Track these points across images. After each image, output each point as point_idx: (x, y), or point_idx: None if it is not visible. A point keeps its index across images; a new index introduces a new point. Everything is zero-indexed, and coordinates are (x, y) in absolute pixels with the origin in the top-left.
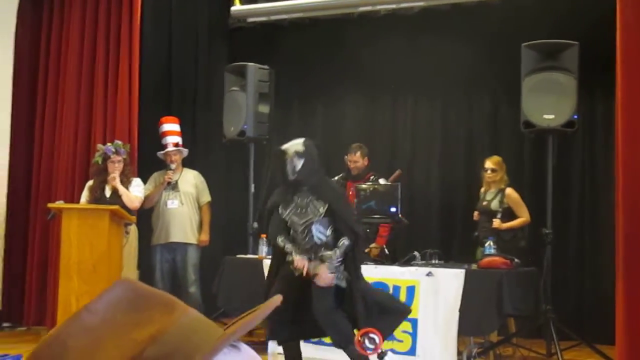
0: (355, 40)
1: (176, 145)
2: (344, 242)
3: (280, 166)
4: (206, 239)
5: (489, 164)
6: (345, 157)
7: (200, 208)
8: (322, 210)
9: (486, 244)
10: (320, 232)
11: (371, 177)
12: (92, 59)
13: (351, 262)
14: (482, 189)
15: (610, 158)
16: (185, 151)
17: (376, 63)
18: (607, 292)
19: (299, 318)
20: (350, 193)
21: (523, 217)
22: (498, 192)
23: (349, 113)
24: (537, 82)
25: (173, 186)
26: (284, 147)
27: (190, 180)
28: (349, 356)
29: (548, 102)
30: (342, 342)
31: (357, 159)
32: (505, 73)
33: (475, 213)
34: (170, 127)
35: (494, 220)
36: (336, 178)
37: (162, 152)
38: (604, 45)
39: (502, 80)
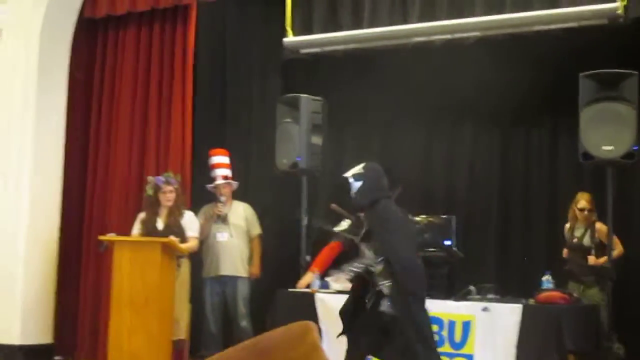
0: (410, 71)
1: (225, 178)
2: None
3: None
4: (257, 272)
5: (584, 203)
6: None
7: (250, 241)
8: (362, 230)
9: (543, 278)
10: (368, 258)
11: None
12: (146, 90)
13: (399, 293)
14: (568, 225)
15: None
16: (235, 184)
17: (432, 94)
18: None
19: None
20: None
21: (617, 249)
22: (587, 227)
23: (405, 145)
24: (595, 112)
25: (223, 219)
26: (346, 174)
27: (241, 213)
28: None
29: (607, 133)
30: None
31: None
32: (562, 103)
33: (565, 250)
34: (220, 159)
35: (589, 257)
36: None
37: (211, 185)
38: None
39: (560, 111)
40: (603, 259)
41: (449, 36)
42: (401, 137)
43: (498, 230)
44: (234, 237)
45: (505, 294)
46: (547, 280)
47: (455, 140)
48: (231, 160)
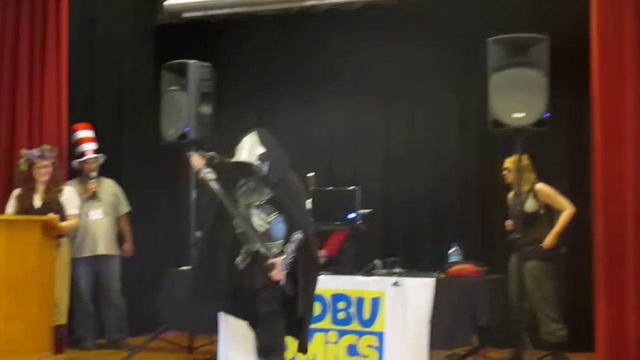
0: (297, 37)
1: (94, 152)
2: (297, 235)
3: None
4: (131, 249)
5: (507, 163)
6: None
7: (118, 218)
8: (265, 197)
9: (451, 251)
10: (260, 219)
11: None
12: (14, 57)
13: (300, 269)
14: (510, 194)
15: (583, 157)
16: (103, 157)
17: (321, 62)
18: (582, 296)
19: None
20: None
21: (565, 209)
22: (528, 192)
23: (298, 114)
24: (505, 79)
25: (94, 196)
26: (245, 158)
27: (109, 189)
28: None
29: (517, 99)
30: (267, 351)
31: None
32: (471, 70)
33: (508, 222)
34: (86, 133)
35: (546, 241)
36: None
37: (79, 160)
38: (575, 39)
39: (469, 78)
40: (555, 232)
41: None
42: (286, 108)
43: (404, 202)
44: (106, 214)
45: (411, 268)
46: (454, 252)
47: (360, 107)
48: (104, 133)
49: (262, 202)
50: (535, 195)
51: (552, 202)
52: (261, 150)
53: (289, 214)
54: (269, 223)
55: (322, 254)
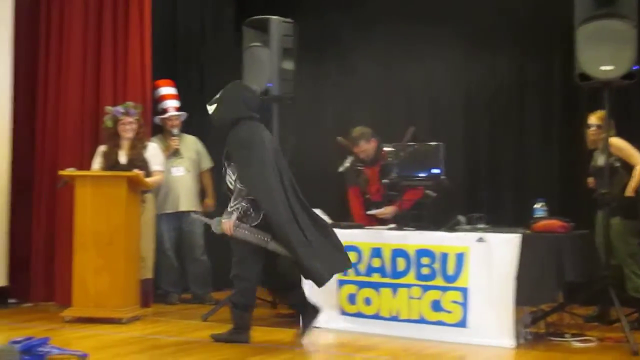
0: None
1: (177, 109)
2: (238, 186)
3: None
4: (213, 204)
5: (593, 119)
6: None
7: (201, 174)
8: (225, 154)
9: (536, 206)
10: (229, 178)
11: (388, 156)
12: (99, 15)
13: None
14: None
15: None
16: (185, 115)
17: (402, 19)
18: None
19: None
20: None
21: (636, 163)
22: (604, 147)
23: (383, 68)
24: (592, 30)
25: (176, 153)
26: None
27: (192, 146)
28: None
29: (605, 52)
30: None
31: (363, 149)
32: (557, 22)
33: (590, 179)
34: (169, 90)
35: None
36: (347, 164)
37: (162, 116)
38: None
39: (555, 31)
40: (635, 183)
41: None
42: (375, 63)
43: (488, 157)
44: (189, 171)
45: (495, 224)
46: (540, 207)
47: (441, 62)
48: (187, 90)
49: (226, 162)
50: (609, 152)
51: (623, 155)
52: (216, 96)
53: (235, 163)
54: (235, 181)
55: (390, 209)
